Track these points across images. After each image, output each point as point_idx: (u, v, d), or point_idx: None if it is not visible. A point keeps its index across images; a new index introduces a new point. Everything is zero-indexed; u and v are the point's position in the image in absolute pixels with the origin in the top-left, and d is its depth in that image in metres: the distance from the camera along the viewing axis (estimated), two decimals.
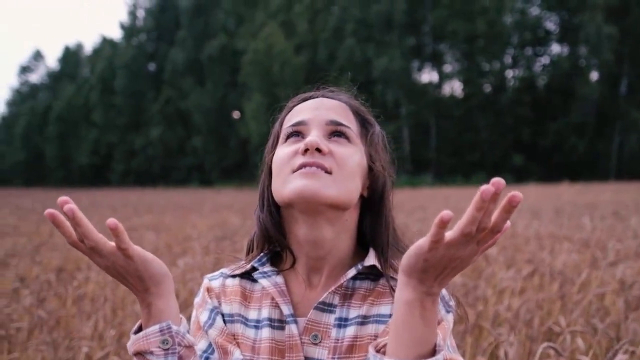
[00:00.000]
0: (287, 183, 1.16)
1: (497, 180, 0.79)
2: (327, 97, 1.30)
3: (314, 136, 1.18)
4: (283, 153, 1.22)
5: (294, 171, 1.16)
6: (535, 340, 2.89)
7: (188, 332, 1.15)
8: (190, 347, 1.13)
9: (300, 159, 1.16)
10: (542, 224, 9.12)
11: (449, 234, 0.87)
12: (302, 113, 1.26)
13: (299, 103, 1.31)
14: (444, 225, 0.84)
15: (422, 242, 0.91)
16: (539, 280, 4.49)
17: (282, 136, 1.27)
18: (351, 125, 1.25)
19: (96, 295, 4.49)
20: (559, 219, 10.17)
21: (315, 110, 1.25)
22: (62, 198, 0.96)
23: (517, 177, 37.75)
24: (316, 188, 1.12)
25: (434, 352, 1.00)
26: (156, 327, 1.09)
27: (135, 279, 1.09)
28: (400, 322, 0.99)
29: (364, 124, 1.29)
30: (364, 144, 1.26)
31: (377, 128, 1.32)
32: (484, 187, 0.79)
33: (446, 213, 0.82)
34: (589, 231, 7.80)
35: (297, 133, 1.24)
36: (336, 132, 1.22)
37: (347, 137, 1.22)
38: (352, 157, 1.20)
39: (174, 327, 1.10)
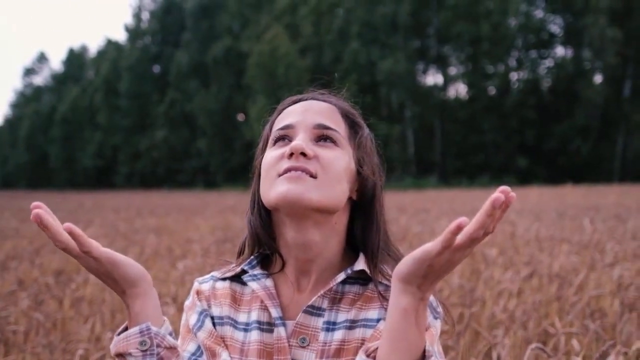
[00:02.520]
0: (272, 187, 1.17)
1: (505, 189, 0.85)
2: (316, 100, 1.29)
3: (299, 140, 1.18)
4: (270, 157, 1.22)
5: (280, 175, 1.16)
6: (530, 342, 2.88)
7: (171, 334, 1.15)
8: (172, 348, 1.13)
9: (286, 163, 1.17)
10: (542, 226, 9.11)
11: (456, 239, 0.89)
12: (290, 116, 1.26)
13: (289, 106, 1.30)
14: (459, 232, 0.86)
15: (429, 248, 0.92)
16: (538, 282, 4.49)
17: (271, 139, 1.27)
18: (339, 129, 1.24)
19: (94, 298, 4.50)
20: (561, 221, 10.15)
21: (303, 114, 1.25)
22: (34, 203, 0.98)
23: (521, 179, 37.62)
24: (300, 192, 1.13)
25: (423, 357, 1.02)
26: (136, 329, 1.11)
27: (110, 281, 1.11)
28: (395, 329, 1.00)
29: (352, 126, 1.28)
30: (353, 147, 1.26)
31: (366, 131, 1.31)
32: (495, 195, 0.84)
33: (464, 220, 0.85)
34: (589, 233, 7.78)
35: (284, 136, 1.24)
36: (323, 135, 1.22)
37: (334, 141, 1.22)
38: (338, 160, 1.20)
39: (154, 329, 1.11)
